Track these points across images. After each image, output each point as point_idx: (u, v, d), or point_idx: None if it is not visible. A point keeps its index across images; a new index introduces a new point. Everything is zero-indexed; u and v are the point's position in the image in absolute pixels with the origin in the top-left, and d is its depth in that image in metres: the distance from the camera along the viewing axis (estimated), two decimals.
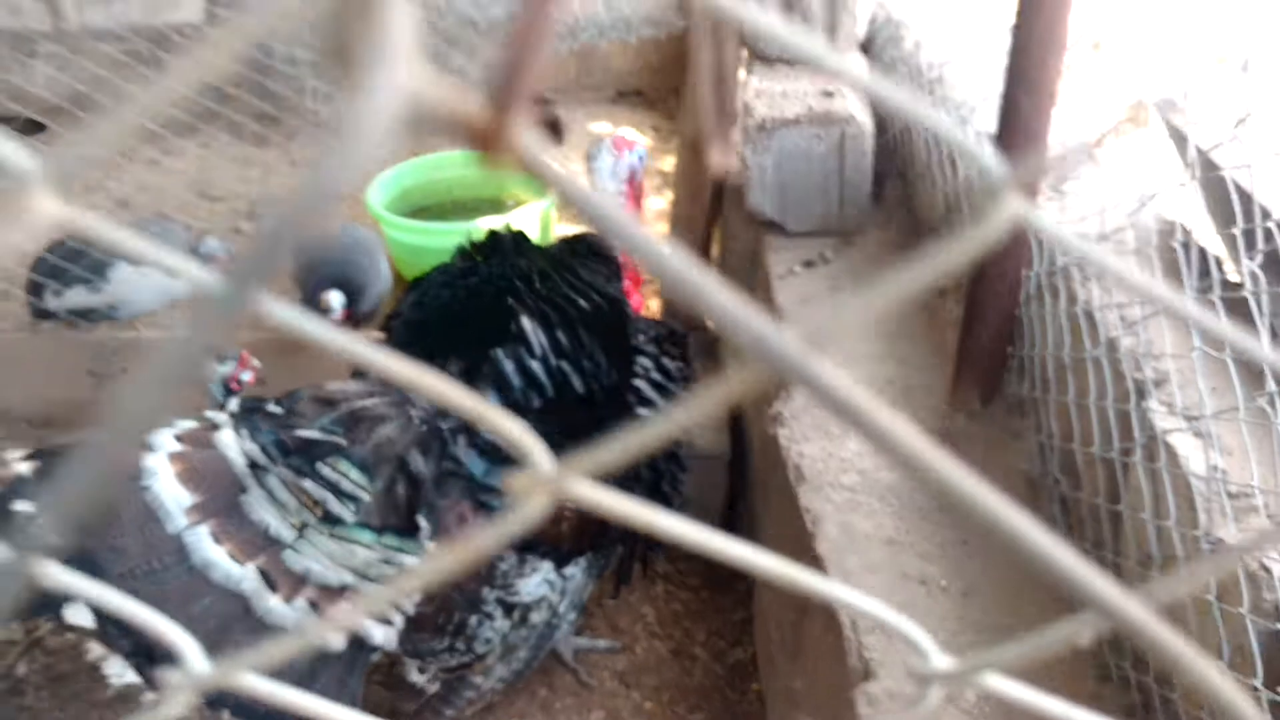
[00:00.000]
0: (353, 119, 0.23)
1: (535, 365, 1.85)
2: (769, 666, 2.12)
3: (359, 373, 1.96)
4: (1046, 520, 1.63)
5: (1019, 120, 1.58)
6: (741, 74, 2.66)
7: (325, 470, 1.68)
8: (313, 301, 2.79)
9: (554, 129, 4.48)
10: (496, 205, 3.39)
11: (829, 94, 2.38)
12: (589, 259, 2.14)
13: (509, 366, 1.84)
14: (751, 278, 2.56)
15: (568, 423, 1.74)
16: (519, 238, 2.11)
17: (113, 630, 1.57)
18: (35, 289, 2.91)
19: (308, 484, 1.68)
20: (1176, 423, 1.22)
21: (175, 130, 3.68)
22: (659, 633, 2.26)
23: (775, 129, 2.35)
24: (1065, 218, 1.64)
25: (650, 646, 2.23)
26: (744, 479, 2.45)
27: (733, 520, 2.47)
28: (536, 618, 1.89)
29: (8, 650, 2.17)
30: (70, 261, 2.78)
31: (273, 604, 1.64)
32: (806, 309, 2.24)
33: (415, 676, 1.85)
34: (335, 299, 2.78)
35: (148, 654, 1.57)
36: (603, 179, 2.34)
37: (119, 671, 1.58)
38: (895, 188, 2.47)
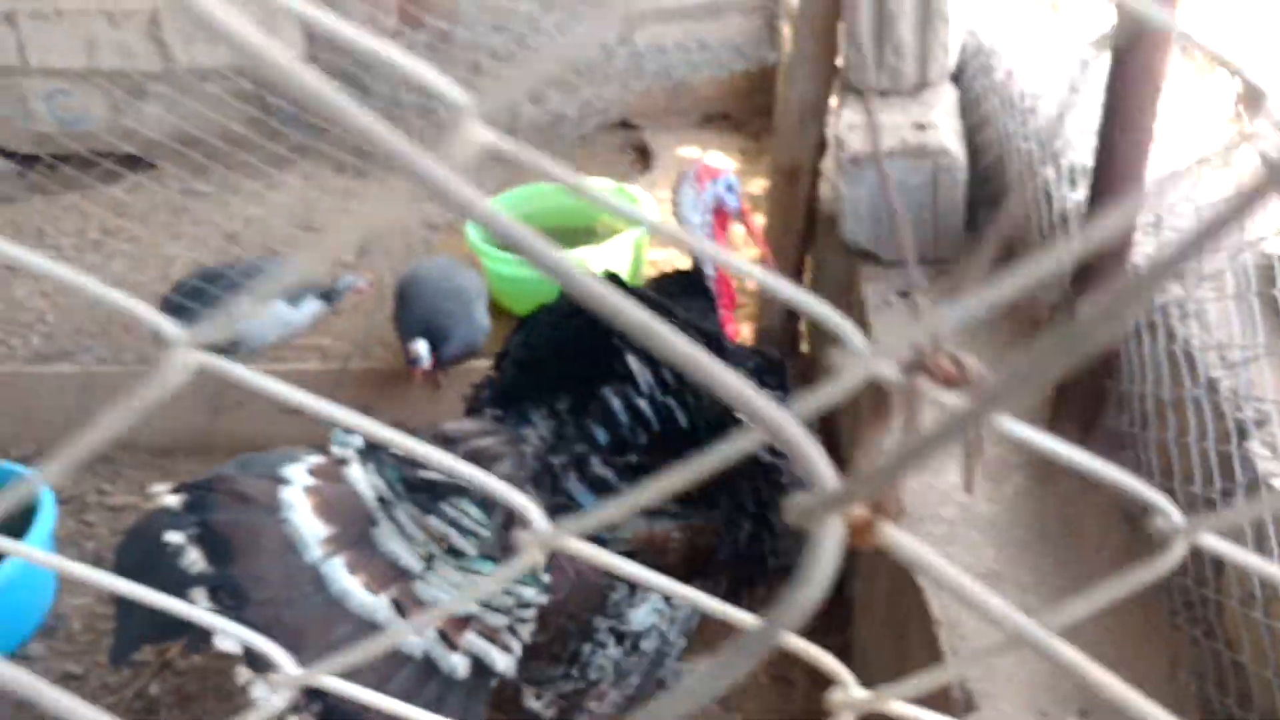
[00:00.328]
0: None
1: (642, 402, 1.91)
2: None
3: (473, 409, 2.05)
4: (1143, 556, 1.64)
5: (1116, 159, 1.60)
6: (833, 103, 2.70)
7: (447, 508, 1.76)
8: (405, 347, 2.90)
9: (642, 155, 4.56)
10: (590, 234, 3.47)
11: (922, 126, 2.41)
12: (683, 295, 2.21)
13: (616, 404, 1.91)
14: (845, 306, 2.60)
15: (674, 457, 1.80)
16: (615, 279, 2.18)
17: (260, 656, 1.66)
18: None
19: (432, 520, 1.77)
20: (1278, 465, 1.24)
21: (276, 164, 3.83)
22: (761, 659, 2.31)
23: (869, 161, 2.39)
24: (1162, 244, 1.66)
25: (750, 673, 2.28)
26: None
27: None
28: (647, 645, 1.95)
29: (141, 671, 2.29)
30: (195, 299, 2.92)
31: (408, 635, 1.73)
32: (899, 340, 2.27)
33: (532, 703, 1.92)
34: (421, 348, 2.88)
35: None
36: (686, 211, 2.38)
37: (265, 695, 1.67)
38: (989, 217, 2.49)
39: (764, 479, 2.01)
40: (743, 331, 3.16)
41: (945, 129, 2.41)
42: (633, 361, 1.91)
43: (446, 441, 1.85)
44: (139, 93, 4.41)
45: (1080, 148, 2.04)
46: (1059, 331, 0.33)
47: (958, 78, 2.67)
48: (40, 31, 4.39)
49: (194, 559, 1.67)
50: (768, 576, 2.11)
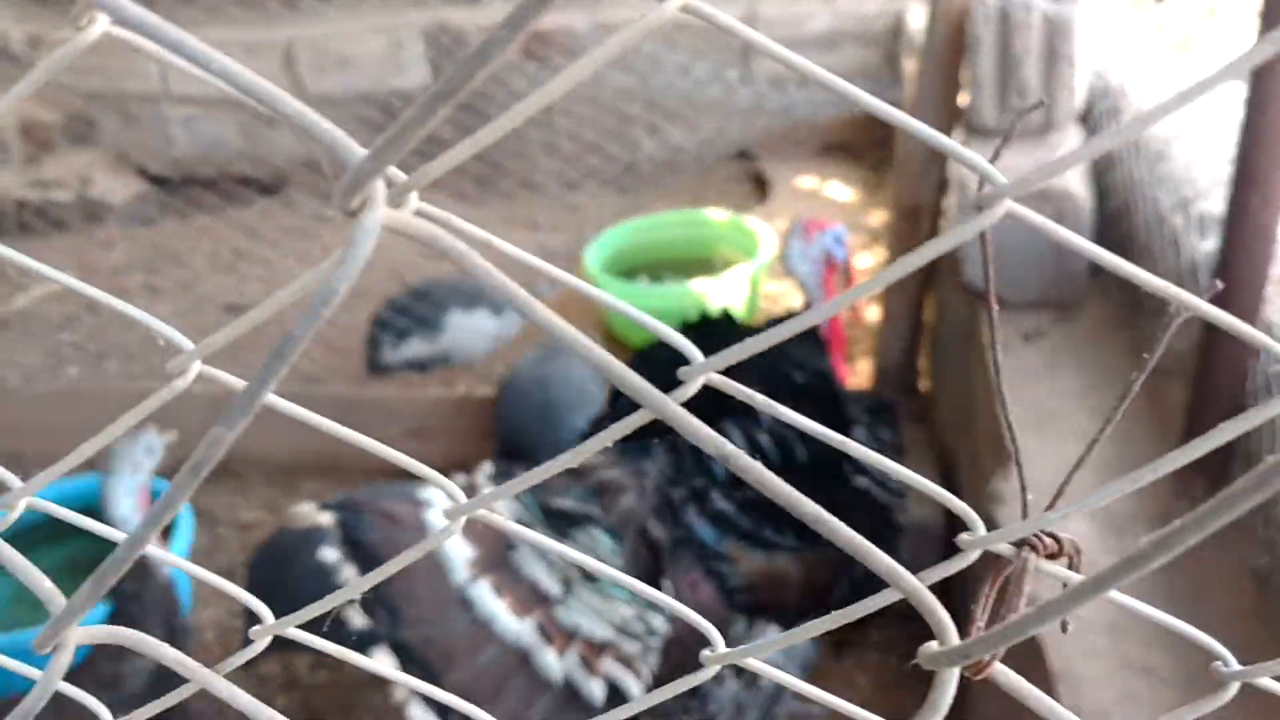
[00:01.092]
0: None
1: (762, 436, 1.94)
2: None
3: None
4: (1266, 613, 1.61)
5: (1248, 218, 1.58)
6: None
7: (580, 537, 1.82)
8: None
9: (759, 184, 4.58)
10: (707, 266, 3.50)
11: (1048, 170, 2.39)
12: (795, 337, 2.23)
13: (736, 436, 1.94)
14: (967, 349, 2.58)
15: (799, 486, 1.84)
16: (729, 316, 2.21)
17: (416, 672, 1.73)
18: (374, 343, 3.18)
19: (566, 546, 1.82)
20: None
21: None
22: (871, 699, 2.30)
23: (990, 201, 2.38)
24: None
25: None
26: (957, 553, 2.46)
27: (946, 595, 2.49)
28: (765, 682, 1.97)
29: (268, 682, 2.37)
30: (406, 314, 3.02)
31: (549, 658, 1.78)
32: (1023, 385, 2.26)
33: None
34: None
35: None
36: (794, 263, 2.41)
37: (420, 715, 1.74)
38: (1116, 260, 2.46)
39: (879, 516, 2.02)
40: (860, 369, 3.16)
41: (1071, 172, 2.39)
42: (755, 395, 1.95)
43: (577, 473, 1.90)
44: (271, 121, 4.58)
45: (1212, 196, 2.01)
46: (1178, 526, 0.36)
47: (1085, 119, 2.64)
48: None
49: (349, 576, 1.74)
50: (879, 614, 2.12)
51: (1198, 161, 2.11)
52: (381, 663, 1.71)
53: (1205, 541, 1.26)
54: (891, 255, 3.00)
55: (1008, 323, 2.45)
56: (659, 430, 0.57)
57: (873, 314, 3.28)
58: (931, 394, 3.06)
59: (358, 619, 1.73)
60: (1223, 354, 1.73)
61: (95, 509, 2.16)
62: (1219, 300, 1.76)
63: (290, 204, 4.20)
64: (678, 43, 4.14)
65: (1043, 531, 0.48)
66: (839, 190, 4.28)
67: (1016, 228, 2.37)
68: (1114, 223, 2.41)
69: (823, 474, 1.98)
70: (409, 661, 1.74)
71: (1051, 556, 0.49)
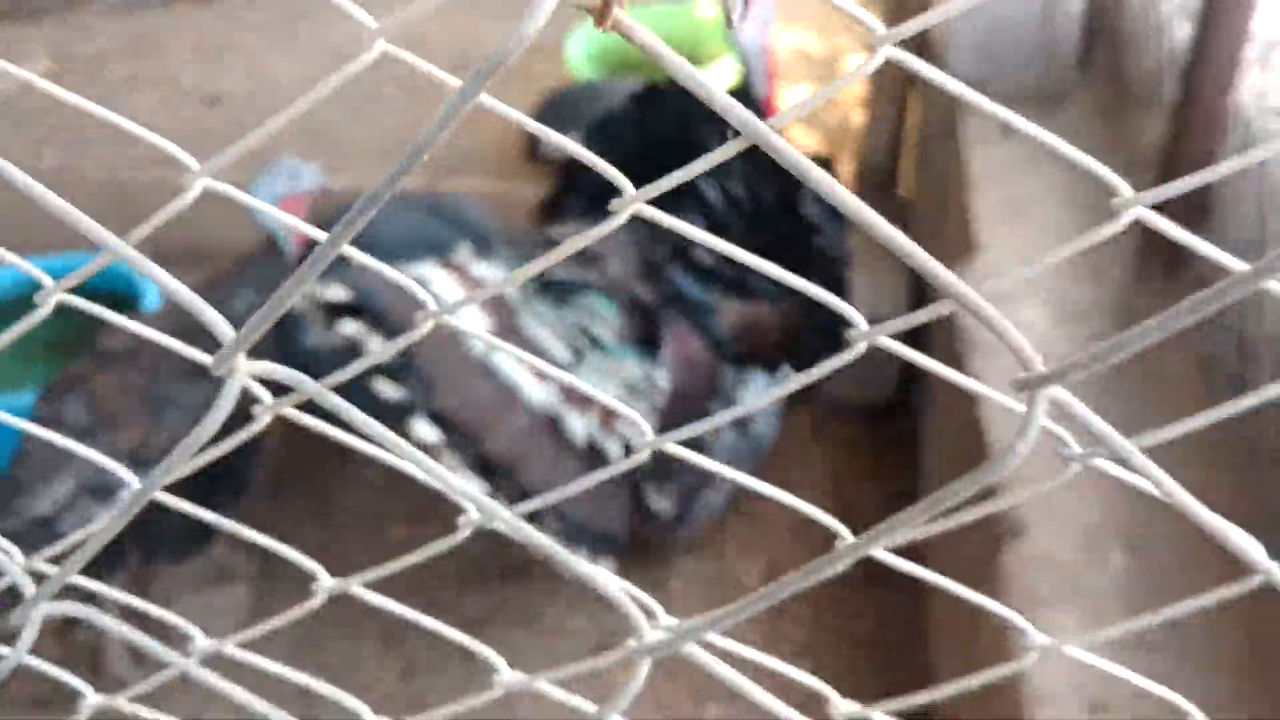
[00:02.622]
0: None
1: (736, 187, 1.93)
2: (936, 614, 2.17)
3: (550, 217, 2.10)
4: (1216, 396, 1.60)
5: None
6: None
7: (581, 303, 1.83)
8: None
9: None
10: (694, 62, 3.39)
11: None
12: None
13: (712, 193, 1.93)
14: (947, 147, 2.51)
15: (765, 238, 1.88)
16: (675, 86, 2.18)
17: (457, 440, 1.77)
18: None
19: (568, 313, 1.84)
20: None
21: None
22: (829, 490, 2.33)
23: None
24: (1272, 81, 1.57)
25: (818, 502, 2.30)
26: (922, 347, 2.45)
27: (908, 389, 2.49)
28: (756, 429, 1.99)
29: None
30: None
31: (575, 421, 1.81)
32: (1001, 180, 2.20)
33: (655, 502, 1.96)
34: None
35: (486, 468, 1.77)
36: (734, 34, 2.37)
37: (425, 433, 1.80)
38: (1105, 51, 2.37)
39: (832, 271, 2.06)
40: (843, 172, 3.09)
41: None
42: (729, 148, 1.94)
43: (553, 244, 1.91)
44: None
45: None
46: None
47: None
48: None
49: (375, 347, 1.75)
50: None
51: None
52: (424, 433, 1.74)
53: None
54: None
55: (989, 117, 2.37)
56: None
57: (857, 117, 3.20)
58: (911, 198, 3.01)
59: (390, 390, 1.75)
60: (1190, 144, 1.68)
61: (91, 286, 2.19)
62: (1193, 80, 1.70)
63: None
64: None
65: None
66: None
67: (1001, 19, 2.29)
68: (1104, 10, 2.31)
69: (789, 223, 2.02)
70: (448, 431, 1.77)
71: None
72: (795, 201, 2.07)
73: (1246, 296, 1.31)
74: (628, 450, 1.87)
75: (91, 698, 0.67)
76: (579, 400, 1.87)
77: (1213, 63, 1.64)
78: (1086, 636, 0.58)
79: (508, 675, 0.57)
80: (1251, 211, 1.53)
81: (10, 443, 1.92)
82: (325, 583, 0.67)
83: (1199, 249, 0.61)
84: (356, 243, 0.47)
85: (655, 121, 2.06)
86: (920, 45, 2.80)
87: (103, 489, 1.79)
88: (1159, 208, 1.69)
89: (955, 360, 1.90)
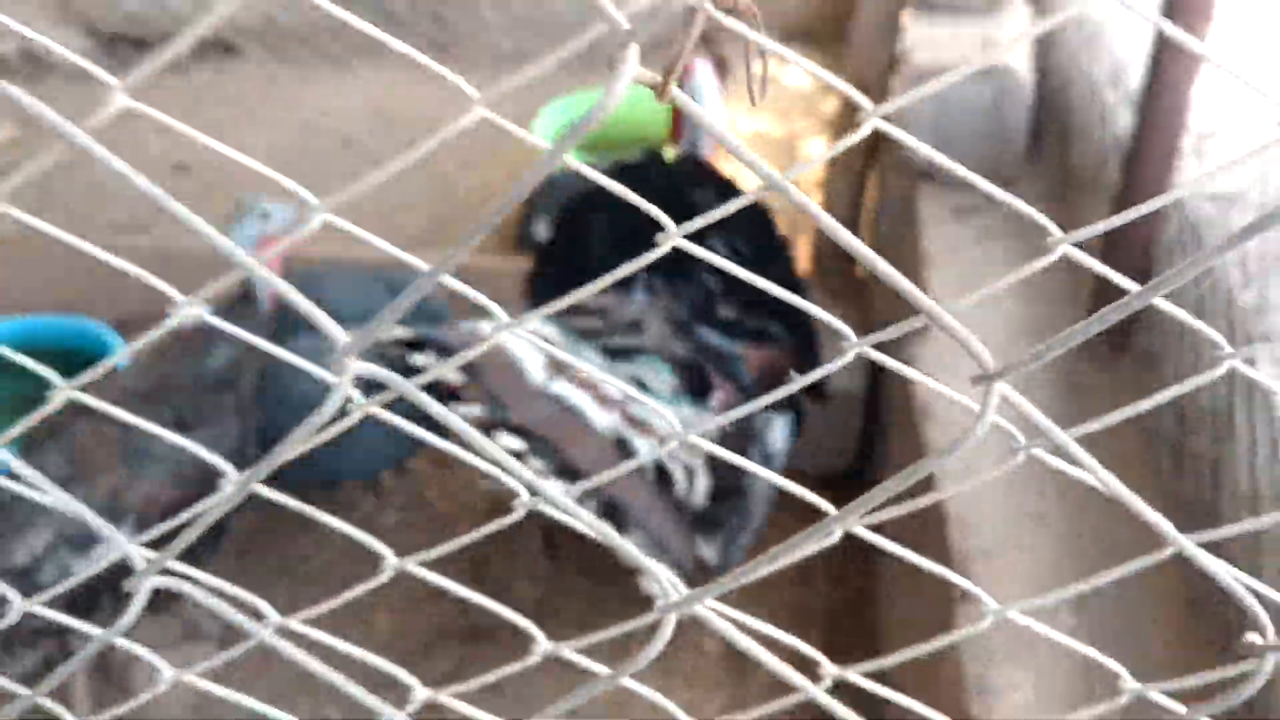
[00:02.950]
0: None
1: (741, 244, 2.18)
2: (885, 595, 2.22)
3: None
4: (1156, 466, 1.67)
5: (1164, 89, 1.62)
6: (905, 21, 2.69)
7: (643, 366, 1.92)
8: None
9: (720, 67, 4.55)
10: (657, 140, 3.50)
11: (990, 42, 2.40)
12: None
13: (722, 249, 2.06)
14: (904, 223, 2.61)
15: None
16: (656, 157, 2.35)
17: (540, 447, 1.81)
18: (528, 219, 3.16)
19: (621, 368, 1.92)
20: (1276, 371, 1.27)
21: (355, 53, 3.89)
22: None
23: (933, 77, 2.39)
24: (1207, 167, 1.67)
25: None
26: (878, 420, 2.52)
27: (866, 460, 2.55)
28: (775, 467, 2.06)
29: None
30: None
31: (642, 444, 1.86)
32: (954, 256, 2.30)
33: (705, 551, 2.01)
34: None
35: (569, 475, 1.81)
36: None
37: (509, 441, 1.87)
38: (1052, 139, 2.49)
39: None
40: (801, 251, 3.18)
41: (1014, 50, 2.40)
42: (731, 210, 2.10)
43: (592, 313, 2.01)
44: None
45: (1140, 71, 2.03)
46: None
47: (1035, 1, 2.65)
48: None
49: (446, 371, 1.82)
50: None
51: (1132, 39, 2.12)
52: (509, 442, 1.78)
53: (1107, 399, 1.28)
54: (837, 135, 3.00)
55: (942, 198, 2.48)
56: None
57: (815, 198, 3.30)
58: (867, 277, 3.10)
59: (472, 410, 1.81)
60: (1130, 229, 1.77)
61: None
62: (1133, 167, 1.80)
63: (242, 66, 4.14)
64: None
65: None
66: (797, 76, 4.26)
67: (955, 108, 2.40)
68: (1053, 100, 2.43)
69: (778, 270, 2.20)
70: (532, 441, 1.84)
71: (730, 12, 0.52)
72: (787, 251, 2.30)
73: (1184, 377, 1.38)
74: (690, 477, 1.96)
75: None
76: (641, 427, 1.95)
77: (1152, 152, 1.74)
78: (1027, 601, 0.64)
79: (545, 645, 0.62)
80: (1190, 286, 1.62)
81: None
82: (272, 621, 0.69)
83: (1114, 279, 0.69)
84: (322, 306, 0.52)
85: (642, 192, 2.16)
86: (874, 131, 2.91)
87: (81, 539, 1.80)
88: (1106, 287, 1.76)
89: (911, 429, 1.97)
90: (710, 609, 0.51)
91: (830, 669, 0.62)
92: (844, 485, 2.53)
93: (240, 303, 2.02)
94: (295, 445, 0.46)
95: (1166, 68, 1.64)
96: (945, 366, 1.98)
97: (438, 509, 2.49)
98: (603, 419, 1.92)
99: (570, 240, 2.25)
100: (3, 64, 4.19)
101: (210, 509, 0.56)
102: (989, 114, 2.40)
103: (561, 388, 1.91)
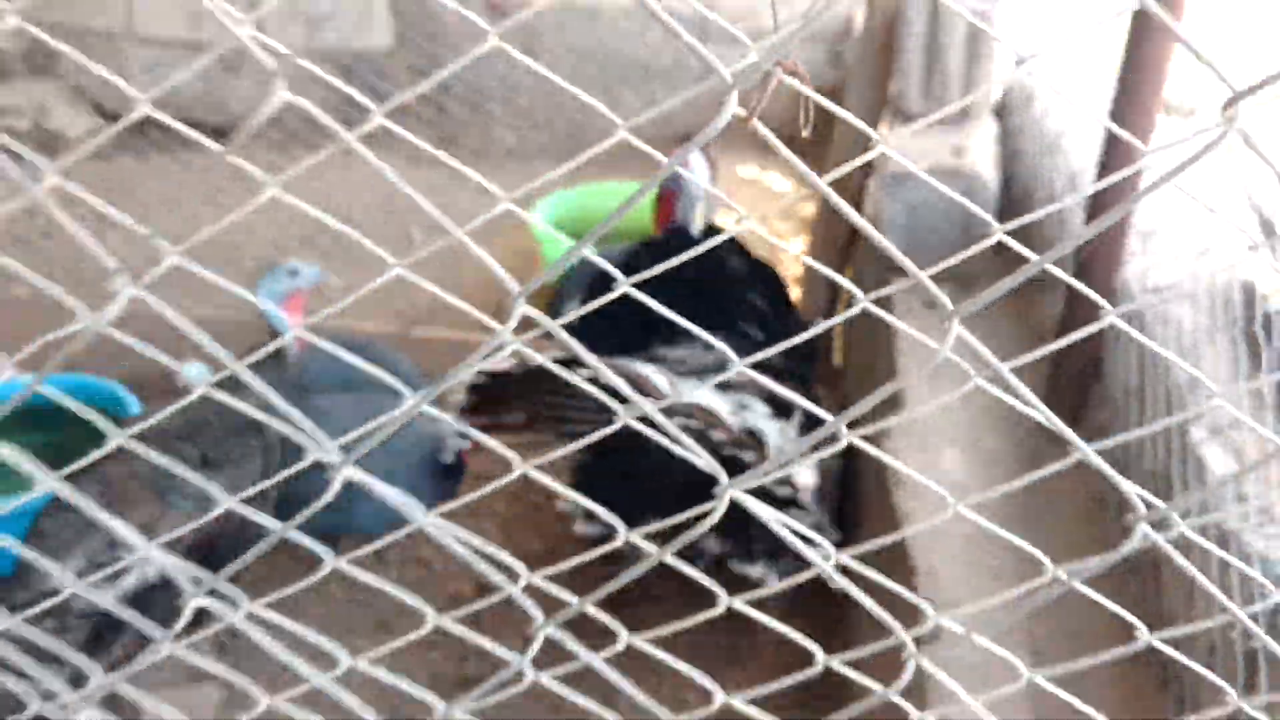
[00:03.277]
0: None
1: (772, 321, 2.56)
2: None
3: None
4: (1105, 525, 1.84)
5: (1111, 190, 1.82)
6: (881, 130, 2.92)
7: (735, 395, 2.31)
8: None
9: (713, 166, 4.78)
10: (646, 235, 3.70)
11: (959, 151, 2.62)
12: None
13: (760, 303, 2.47)
14: (876, 319, 2.80)
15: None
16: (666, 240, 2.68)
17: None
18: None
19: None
20: (1208, 436, 1.45)
21: (361, 142, 4.07)
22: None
23: (906, 180, 2.61)
24: (1150, 263, 1.87)
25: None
26: (854, 489, 2.68)
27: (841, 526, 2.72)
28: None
29: None
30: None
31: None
32: (920, 344, 2.48)
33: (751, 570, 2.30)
34: None
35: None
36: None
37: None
38: (1017, 241, 2.70)
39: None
40: None
41: (981, 155, 2.62)
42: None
43: (679, 360, 2.37)
44: (233, 68, 4.70)
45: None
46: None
47: (1001, 113, 2.88)
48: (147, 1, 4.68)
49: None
50: None
51: (1087, 149, 2.34)
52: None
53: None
54: (815, 233, 3.22)
55: (914, 292, 2.68)
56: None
57: (794, 293, 3.51)
58: (843, 366, 3.29)
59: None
60: (1080, 314, 1.98)
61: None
62: (1085, 262, 1.99)
63: (246, 152, 4.33)
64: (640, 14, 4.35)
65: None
66: (777, 180, 4.50)
67: (926, 209, 2.61)
68: (1017, 203, 2.65)
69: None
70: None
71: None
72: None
73: (1132, 445, 1.55)
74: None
75: None
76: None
77: (1101, 249, 1.94)
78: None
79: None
80: (1133, 367, 1.81)
81: (16, 532, 2.05)
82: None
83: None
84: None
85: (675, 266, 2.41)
86: (851, 229, 3.13)
87: (106, 566, 1.92)
88: (1061, 366, 1.93)
89: (884, 496, 2.13)
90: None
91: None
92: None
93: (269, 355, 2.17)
94: (396, 424, 0.62)
95: (1114, 172, 1.84)
96: (912, 433, 2.15)
97: (433, 567, 2.63)
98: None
99: (601, 315, 2.47)
100: (20, 138, 4.36)
101: (253, 552, 0.71)
102: (958, 214, 2.61)
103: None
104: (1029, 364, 2.33)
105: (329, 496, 0.86)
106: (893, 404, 2.43)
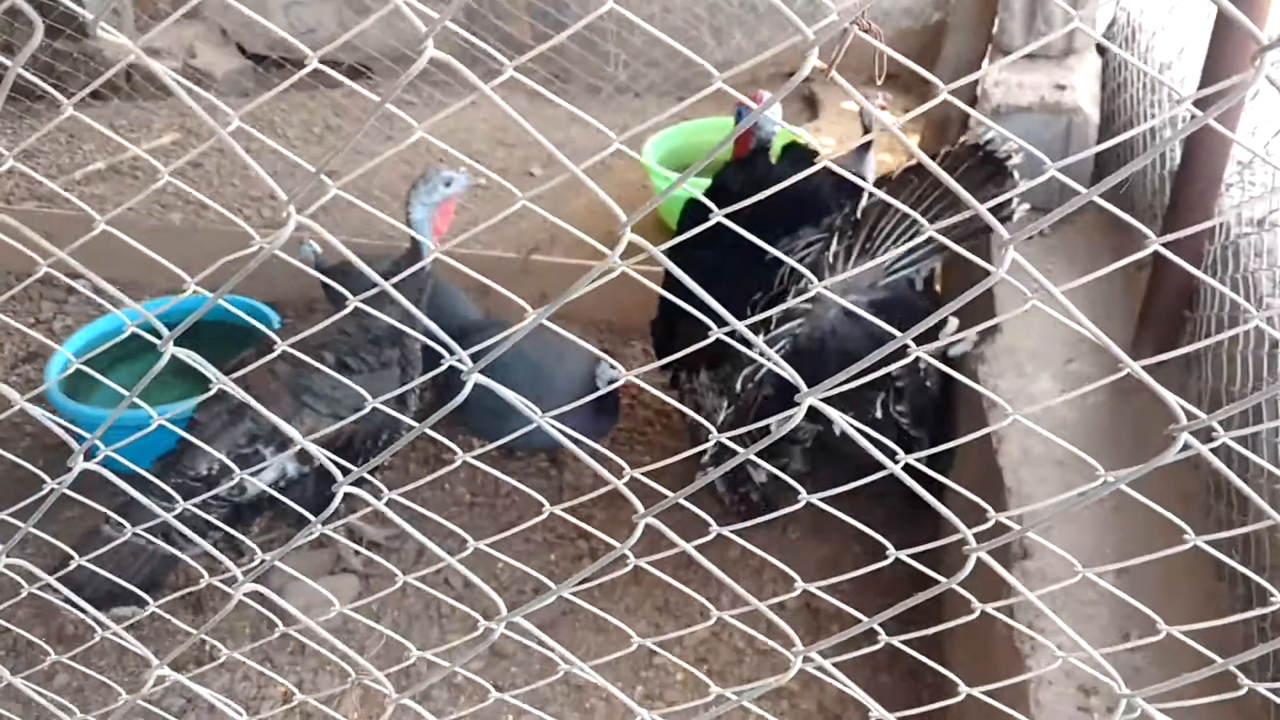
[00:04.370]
0: None
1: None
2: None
3: None
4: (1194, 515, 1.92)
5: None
6: (985, 64, 2.97)
7: None
8: None
9: (809, 104, 4.84)
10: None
11: (1061, 87, 2.68)
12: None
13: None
14: (975, 246, 2.88)
15: None
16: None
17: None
18: None
19: None
20: None
21: (483, 77, 4.25)
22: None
23: (1008, 114, 2.67)
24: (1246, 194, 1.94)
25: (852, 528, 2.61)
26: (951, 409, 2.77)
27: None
28: None
29: None
30: None
31: None
32: (1019, 273, 2.56)
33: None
34: None
35: None
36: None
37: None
38: (1113, 171, 2.74)
39: None
40: None
41: (1083, 91, 2.67)
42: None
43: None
44: (363, 11, 4.90)
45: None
46: None
47: (1104, 50, 2.91)
48: None
49: None
50: None
51: (1188, 87, 2.38)
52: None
53: (1149, 398, 1.52)
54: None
55: (1013, 224, 2.75)
56: None
57: None
58: (941, 293, 3.37)
59: None
60: (1179, 242, 2.04)
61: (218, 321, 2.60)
62: (1181, 195, 2.06)
63: (375, 87, 4.54)
64: None
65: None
66: (883, 115, 4.54)
67: (1028, 141, 2.67)
68: (1117, 136, 2.69)
69: None
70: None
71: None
72: None
73: (1225, 375, 1.64)
74: None
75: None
76: None
77: (1198, 180, 2.00)
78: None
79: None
80: (1226, 299, 1.89)
81: (162, 444, 2.30)
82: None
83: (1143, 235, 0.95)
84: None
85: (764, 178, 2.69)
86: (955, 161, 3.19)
87: (248, 458, 2.17)
88: (1154, 298, 2.01)
89: (980, 420, 2.23)
90: None
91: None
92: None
93: (408, 257, 2.37)
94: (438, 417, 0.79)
95: (1211, 105, 1.90)
96: (1010, 358, 2.25)
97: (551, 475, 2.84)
98: None
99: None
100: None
101: (403, 439, 0.88)
102: (1057, 148, 2.67)
103: None
104: (1124, 294, 2.40)
105: (460, 399, 1.00)
106: (990, 330, 2.53)
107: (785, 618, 2.51)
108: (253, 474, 2.14)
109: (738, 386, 2.43)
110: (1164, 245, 2.06)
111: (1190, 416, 0.89)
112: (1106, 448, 2.07)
